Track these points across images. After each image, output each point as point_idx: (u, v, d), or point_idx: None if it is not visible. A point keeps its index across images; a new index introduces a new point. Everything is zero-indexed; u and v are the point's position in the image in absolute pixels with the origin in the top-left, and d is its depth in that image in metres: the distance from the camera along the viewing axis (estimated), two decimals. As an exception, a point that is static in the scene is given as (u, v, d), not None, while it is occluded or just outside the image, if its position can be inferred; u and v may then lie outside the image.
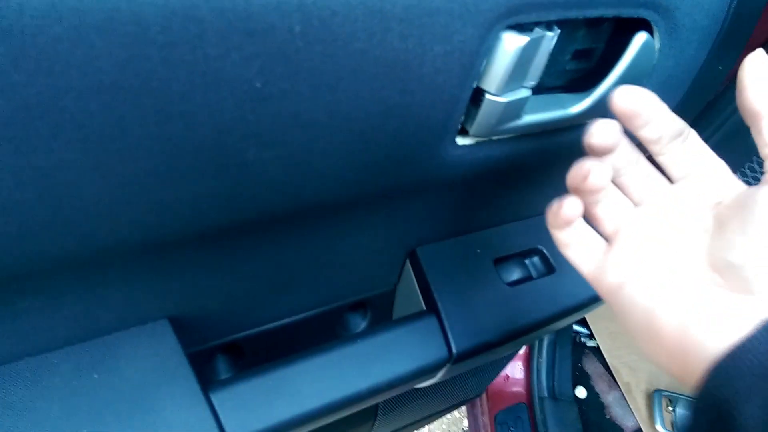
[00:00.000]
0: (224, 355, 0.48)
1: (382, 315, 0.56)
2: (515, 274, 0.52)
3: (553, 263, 0.53)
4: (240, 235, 0.37)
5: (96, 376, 0.35)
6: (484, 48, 0.32)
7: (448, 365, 0.46)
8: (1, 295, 0.31)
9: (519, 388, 1.11)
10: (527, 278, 0.52)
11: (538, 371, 1.08)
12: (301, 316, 0.49)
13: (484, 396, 1.12)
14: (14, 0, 0.20)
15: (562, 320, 0.54)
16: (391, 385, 0.44)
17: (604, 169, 0.34)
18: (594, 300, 0.55)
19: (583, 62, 0.42)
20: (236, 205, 0.32)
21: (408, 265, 0.51)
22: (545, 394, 1.06)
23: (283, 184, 0.32)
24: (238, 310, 0.44)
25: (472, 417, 1.17)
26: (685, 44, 0.40)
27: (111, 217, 0.28)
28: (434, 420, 0.97)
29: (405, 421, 0.86)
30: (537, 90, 0.42)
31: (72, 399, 0.35)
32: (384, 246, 0.48)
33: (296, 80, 0.27)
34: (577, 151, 0.46)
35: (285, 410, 0.39)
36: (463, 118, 0.36)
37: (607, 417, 1.16)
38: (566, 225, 0.36)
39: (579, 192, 0.35)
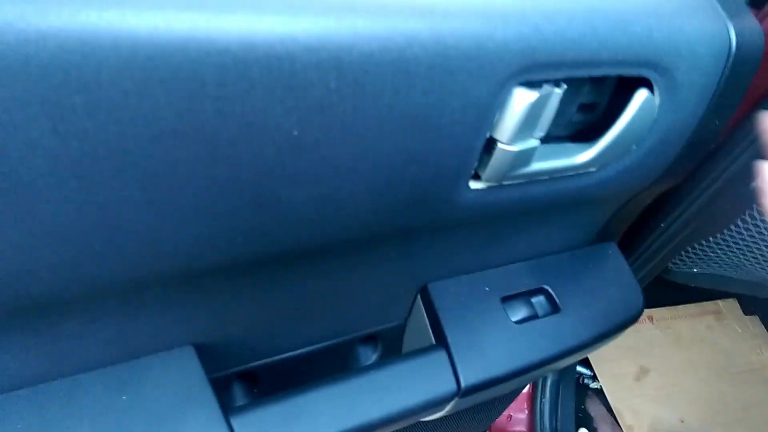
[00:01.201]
0: (240, 382, 0.50)
1: (392, 348, 0.58)
2: (522, 313, 0.54)
3: (559, 303, 0.55)
4: (266, 267, 0.40)
5: (124, 397, 0.38)
6: (498, 102, 0.36)
7: (456, 398, 0.48)
8: (50, 318, 0.33)
9: (521, 428, 1.11)
10: (533, 317, 0.54)
11: (541, 412, 1.08)
12: (316, 346, 0.51)
13: (487, 434, 1.12)
14: (93, 58, 0.23)
15: (566, 359, 0.56)
16: (401, 415, 0.45)
17: None
18: (598, 340, 0.57)
19: (588, 115, 0.46)
20: (269, 239, 0.35)
21: (419, 300, 0.53)
22: (548, 434, 1.06)
23: (311, 222, 0.35)
24: (258, 339, 0.46)
25: (474, 456, 1.17)
26: (684, 101, 0.43)
27: (157, 247, 0.31)
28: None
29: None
30: (545, 140, 0.45)
31: (102, 419, 0.37)
32: (397, 281, 0.51)
33: (329, 130, 0.30)
34: (581, 196, 0.49)
35: (301, 436, 0.41)
36: (476, 164, 0.39)
37: (610, 460, 1.16)
38: None
39: None
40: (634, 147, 0.45)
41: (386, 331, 0.56)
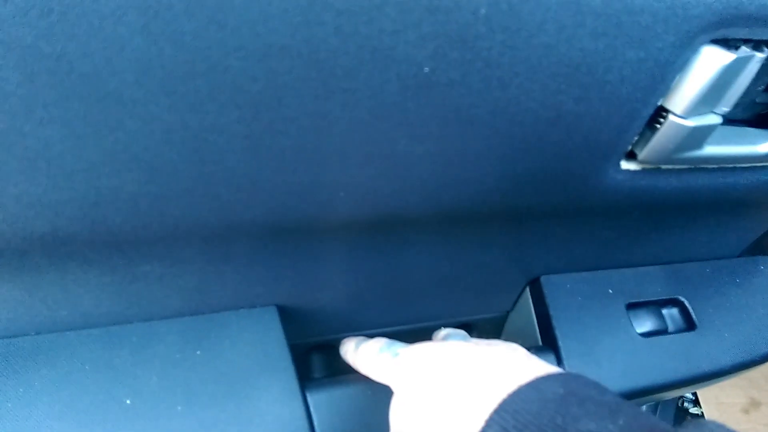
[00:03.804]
0: (320, 353, 0.46)
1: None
2: (649, 324, 0.46)
3: (695, 319, 0.47)
4: (365, 233, 0.35)
5: (198, 352, 0.34)
6: (680, 61, 0.28)
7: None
8: (128, 256, 0.30)
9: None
10: (662, 331, 0.46)
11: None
12: (405, 327, 0.46)
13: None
14: None
15: (695, 385, 0.47)
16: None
17: None
18: (736, 368, 0.47)
19: (777, 96, 0.36)
20: (374, 199, 0.29)
21: (527, 292, 0.46)
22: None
23: (426, 184, 0.29)
24: (345, 310, 0.42)
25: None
26: None
27: (249, 192, 0.26)
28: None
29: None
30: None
31: (172, 372, 0.33)
32: (506, 268, 0.44)
33: (469, 70, 0.24)
34: (752, 195, 0.40)
35: (377, 425, 0.36)
36: (635, 139, 0.32)
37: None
38: None
39: None
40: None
41: (484, 322, 0.49)
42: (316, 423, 0.35)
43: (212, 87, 0.22)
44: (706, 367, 0.45)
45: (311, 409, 0.35)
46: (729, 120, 0.38)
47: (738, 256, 0.52)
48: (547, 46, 0.25)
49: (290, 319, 0.39)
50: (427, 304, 0.46)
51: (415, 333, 0.48)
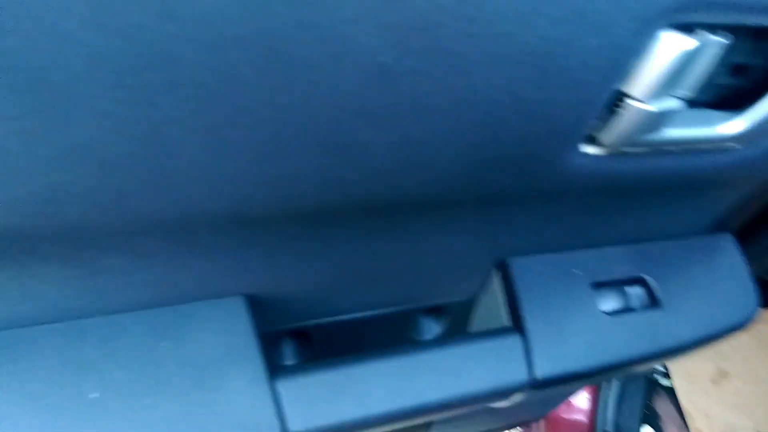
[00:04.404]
0: (292, 340, 0.46)
1: (458, 324, 0.52)
2: (614, 303, 0.47)
3: (659, 297, 0.48)
4: (331, 220, 0.35)
5: (164, 343, 0.34)
6: (639, 46, 0.28)
7: (527, 389, 0.42)
8: (90, 249, 0.30)
9: (581, 417, 1.04)
10: (627, 309, 0.47)
11: (605, 404, 1.01)
12: (376, 312, 0.47)
13: (542, 419, 1.06)
14: None
15: (659, 360, 0.49)
16: (462, 401, 0.40)
17: None
18: (699, 343, 0.49)
19: (738, 78, 0.37)
20: (338, 188, 0.29)
21: (496, 275, 0.47)
22: (609, 428, 0.99)
23: (390, 173, 0.29)
24: (315, 297, 0.42)
25: (526, 437, 1.12)
26: None
27: (209, 184, 0.26)
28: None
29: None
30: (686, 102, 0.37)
31: (137, 363, 0.33)
32: (474, 251, 0.44)
33: (429, 59, 0.24)
34: (715, 177, 0.41)
35: (350, 410, 0.37)
36: (594, 123, 0.32)
37: (672, 463, 1.08)
38: None
39: None
40: (794, 122, 0.36)
41: (454, 305, 0.50)
42: (287, 411, 0.35)
43: (165, 79, 0.22)
44: (669, 342, 0.47)
45: (282, 397, 0.35)
46: (692, 102, 0.38)
47: (702, 234, 0.53)
48: (508, 35, 0.25)
49: (260, 307, 0.39)
50: (397, 289, 0.46)
51: (389, 317, 0.48)
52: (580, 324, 0.44)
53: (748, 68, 0.36)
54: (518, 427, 1.12)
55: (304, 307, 0.42)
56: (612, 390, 1.02)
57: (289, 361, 0.46)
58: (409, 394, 0.38)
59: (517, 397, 0.44)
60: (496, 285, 0.47)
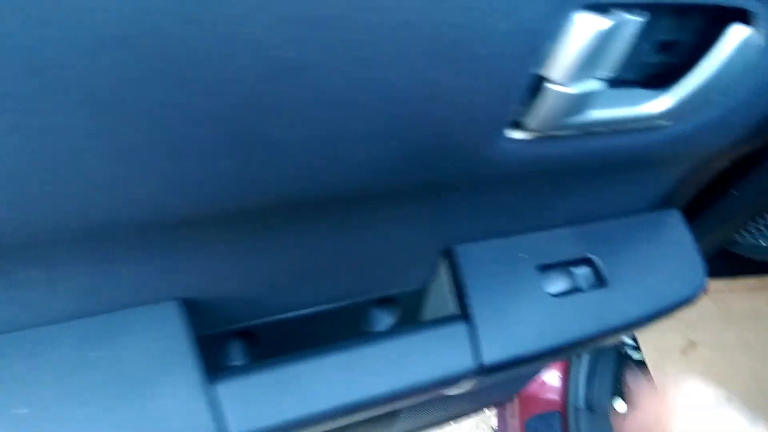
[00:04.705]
0: (239, 341, 0.45)
1: (411, 313, 0.52)
2: (561, 285, 0.47)
3: (606, 276, 0.48)
4: (262, 218, 0.34)
5: (94, 354, 0.33)
6: (552, 29, 0.28)
7: (475, 376, 0.42)
8: (8, 262, 0.29)
9: (554, 396, 1.05)
10: (574, 290, 0.47)
11: (576, 380, 1.02)
12: (324, 307, 0.46)
13: (516, 398, 1.07)
14: None
15: (608, 338, 0.49)
16: (411, 392, 0.40)
17: None
18: (647, 319, 0.49)
19: (665, 55, 0.37)
20: (258, 187, 0.29)
21: (442, 263, 0.47)
22: (581, 404, 1.00)
23: (311, 169, 0.29)
24: (256, 297, 0.41)
25: (501, 418, 1.13)
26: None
27: (112, 190, 0.25)
28: (461, 419, 0.94)
29: (428, 420, 0.82)
30: (609, 82, 0.37)
31: (68, 377, 0.32)
32: (418, 241, 0.44)
33: (331, 52, 0.23)
34: (648, 155, 0.41)
35: (293, 408, 0.36)
36: (518, 108, 0.32)
37: (645, 435, 1.10)
38: None
39: None
40: (721, 98, 0.37)
41: (405, 295, 0.50)
42: (227, 414, 0.35)
43: (48, 86, 0.21)
44: (616, 321, 0.47)
45: (221, 400, 0.35)
46: (622, 82, 0.38)
47: (648, 211, 0.53)
48: (410, 24, 0.24)
49: (198, 310, 0.38)
50: (344, 283, 0.46)
51: (339, 311, 0.48)
52: (527, 307, 0.44)
53: (676, 44, 0.36)
54: (492, 408, 1.13)
55: (248, 307, 0.42)
56: (582, 366, 1.03)
57: (237, 362, 0.45)
58: (355, 389, 0.38)
59: (468, 384, 0.44)
60: (443, 273, 0.47)
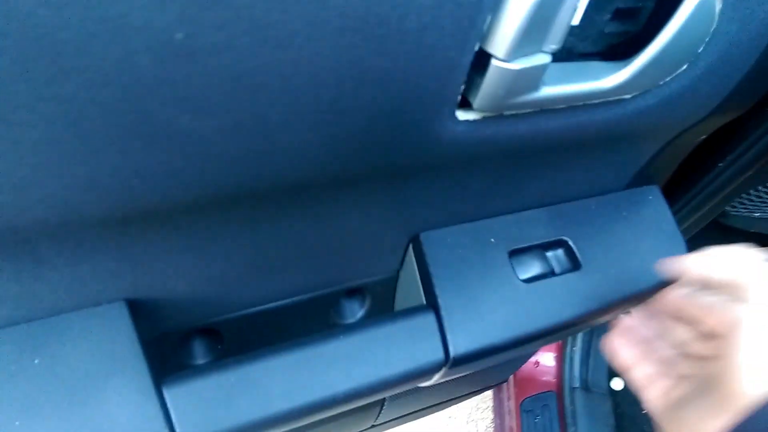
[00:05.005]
0: (203, 338, 0.44)
1: (383, 302, 0.51)
2: (534, 269, 0.46)
3: (580, 258, 0.46)
4: (209, 212, 0.33)
5: (37, 361, 0.32)
6: (488, 0, 0.26)
7: (444, 369, 0.41)
8: None
9: (549, 376, 1.04)
10: (547, 274, 0.46)
11: (571, 360, 1.01)
12: (290, 300, 0.45)
13: (511, 379, 1.06)
14: None
15: (584, 324, 0.47)
16: (376, 388, 0.39)
17: None
18: (626, 302, 0.48)
19: (626, 24, 0.35)
20: (180, 182, 0.27)
21: (411, 250, 0.45)
22: (577, 384, 0.99)
23: (237, 160, 0.27)
24: (214, 293, 0.40)
25: (497, 400, 1.12)
26: (756, 5, 0.32)
27: (14, 190, 0.24)
28: (454, 404, 0.93)
29: (417, 407, 0.81)
30: (566, 56, 0.35)
31: (8, 386, 0.31)
32: (384, 229, 0.43)
33: (233, 32, 0.22)
34: (612, 131, 0.39)
35: (247, 412, 0.35)
36: (463, 87, 0.30)
37: (644, 411, 1.09)
38: None
39: None
40: (684, 67, 0.35)
41: (375, 284, 0.48)
42: (175, 419, 0.33)
43: None
44: (592, 305, 0.45)
45: (169, 405, 0.33)
46: (580, 53, 0.36)
47: (625, 188, 0.51)
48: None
49: (153, 309, 0.37)
50: (311, 274, 0.44)
51: (306, 303, 0.46)
52: (496, 295, 0.43)
53: (634, 12, 0.34)
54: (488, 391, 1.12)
55: (208, 303, 0.40)
56: (577, 346, 1.02)
57: (201, 360, 0.44)
58: (315, 388, 0.37)
59: (437, 377, 0.43)
60: (412, 261, 0.45)
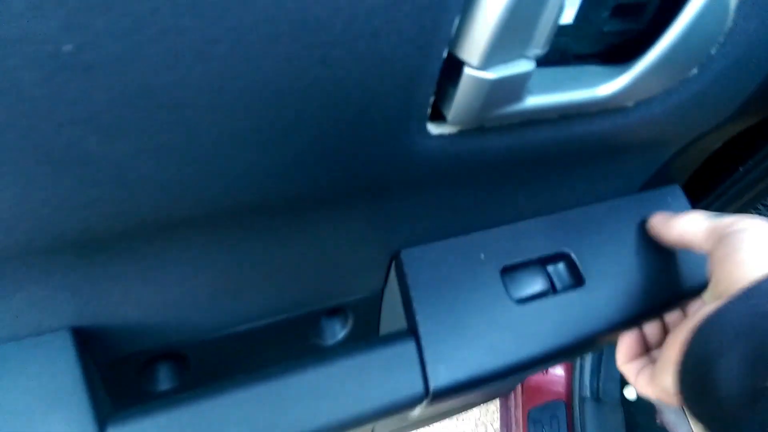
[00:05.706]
0: (167, 364, 0.41)
1: (367, 322, 0.47)
2: (529, 288, 0.41)
3: (583, 273, 0.42)
4: (152, 237, 0.29)
5: None
6: (454, 1, 0.22)
7: (425, 402, 0.37)
8: None
9: (558, 385, 1.00)
10: (545, 292, 0.41)
11: (581, 369, 0.96)
12: (263, 322, 0.41)
13: (519, 388, 1.02)
14: None
15: (587, 347, 0.43)
16: (347, 424, 0.35)
17: None
18: (638, 319, 0.43)
19: (628, 22, 0.31)
20: (100, 210, 0.24)
21: (393, 269, 0.42)
22: (587, 394, 0.94)
23: (166, 186, 0.24)
24: (174, 317, 0.37)
25: (504, 408, 1.08)
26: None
27: None
28: (459, 413, 0.89)
29: (411, 422, 0.78)
30: (561, 58, 0.31)
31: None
32: (362, 246, 0.39)
33: (135, 42, 0.18)
34: (613, 143, 0.35)
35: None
36: (433, 99, 0.26)
37: (657, 422, 1.04)
38: None
39: None
40: (694, 71, 0.30)
41: (358, 303, 0.45)
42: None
43: None
44: (596, 325, 0.41)
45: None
46: (576, 56, 0.32)
47: (639, 191, 0.47)
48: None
49: (102, 336, 0.34)
50: (285, 294, 0.41)
51: (281, 324, 0.43)
52: (485, 318, 0.39)
53: (636, 7, 0.30)
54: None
55: (166, 327, 0.37)
56: (588, 355, 0.97)
57: (166, 386, 0.41)
58: (279, 426, 0.34)
59: (419, 411, 0.39)
60: (394, 279, 0.42)
